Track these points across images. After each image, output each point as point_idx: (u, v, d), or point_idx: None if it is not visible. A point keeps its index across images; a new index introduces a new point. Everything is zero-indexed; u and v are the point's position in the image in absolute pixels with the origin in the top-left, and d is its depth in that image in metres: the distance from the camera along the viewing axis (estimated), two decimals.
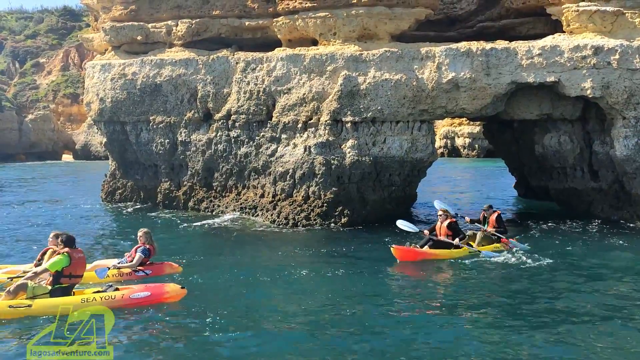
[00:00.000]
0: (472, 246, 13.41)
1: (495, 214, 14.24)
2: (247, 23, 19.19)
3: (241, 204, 18.47)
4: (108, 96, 20.65)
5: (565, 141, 18.42)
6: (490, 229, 14.03)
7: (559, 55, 16.29)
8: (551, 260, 12.15)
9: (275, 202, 17.73)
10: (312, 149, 17.27)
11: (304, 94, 17.60)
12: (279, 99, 18.07)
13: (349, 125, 17.22)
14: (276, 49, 18.60)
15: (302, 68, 17.67)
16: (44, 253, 10.19)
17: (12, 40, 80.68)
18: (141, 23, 20.40)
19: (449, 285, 10.89)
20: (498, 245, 13.68)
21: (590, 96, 16.35)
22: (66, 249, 8.86)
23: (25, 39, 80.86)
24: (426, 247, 13.06)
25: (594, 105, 17.37)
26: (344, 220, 16.75)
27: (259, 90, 18.28)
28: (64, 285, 8.74)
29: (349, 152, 17.05)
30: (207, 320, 8.33)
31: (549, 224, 16.82)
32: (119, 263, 10.76)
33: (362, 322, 8.43)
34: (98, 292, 8.89)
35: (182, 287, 9.18)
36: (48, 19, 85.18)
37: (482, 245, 13.61)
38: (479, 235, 13.90)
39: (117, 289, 9.00)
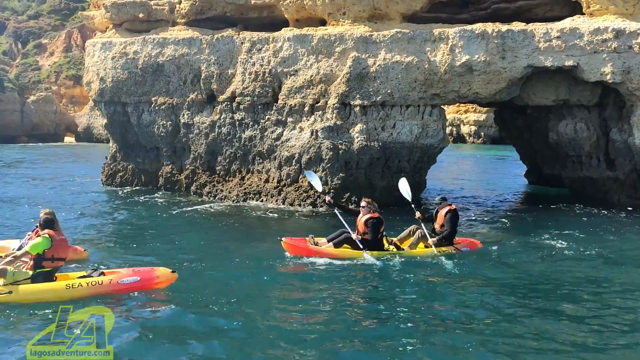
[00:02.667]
0: (401, 248, 11.05)
1: (446, 209, 11.30)
2: (253, 1, 18.48)
3: (245, 189, 17.93)
4: (109, 76, 20.05)
5: (581, 128, 17.81)
6: (436, 227, 11.39)
7: (578, 39, 15.63)
8: (564, 248, 11.62)
9: (280, 187, 17.20)
10: (319, 133, 16.69)
11: (312, 76, 16.98)
12: (286, 80, 17.45)
13: (357, 109, 16.62)
14: (283, 29, 17.93)
15: (309, 49, 17.03)
16: None
17: (15, 21, 79.95)
18: (143, 0, 19.73)
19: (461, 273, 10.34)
20: (444, 248, 11.08)
21: (610, 81, 15.72)
22: (46, 231, 8.35)
23: (28, 20, 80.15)
24: (330, 244, 10.75)
25: (613, 91, 16.75)
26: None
27: (264, 72, 17.65)
28: (46, 269, 8.26)
29: (357, 137, 16.46)
30: (208, 316, 7.91)
31: (563, 211, 16.25)
32: (19, 248, 10.06)
33: (366, 312, 7.96)
34: (83, 277, 8.40)
35: (172, 271, 8.73)
36: None
37: (424, 247, 11.16)
38: (416, 234, 11.20)
39: (103, 273, 8.52)
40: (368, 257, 10.56)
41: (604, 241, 12.68)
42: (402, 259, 10.68)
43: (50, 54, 73.24)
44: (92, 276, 8.39)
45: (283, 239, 10.87)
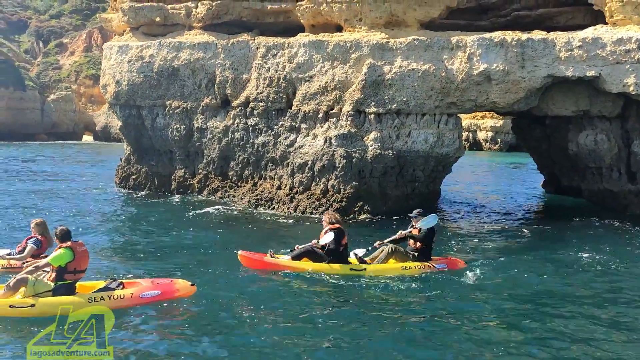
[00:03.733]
0: (366, 262, 10.44)
1: None
2: (269, 6, 18.38)
3: (257, 195, 17.78)
4: (124, 79, 20.06)
5: (602, 140, 17.38)
6: (410, 243, 10.81)
7: (600, 48, 15.24)
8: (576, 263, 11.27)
9: (292, 194, 17.02)
10: (332, 141, 16.49)
11: (326, 82, 16.79)
12: (300, 86, 17.29)
13: (372, 116, 16.40)
14: (299, 35, 17.78)
15: (325, 55, 16.85)
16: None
17: (37, 20, 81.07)
18: (160, 4, 19.72)
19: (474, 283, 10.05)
20: (414, 264, 10.46)
21: (632, 93, 15.31)
22: (68, 243, 8.26)
23: (50, 19, 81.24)
24: (288, 257, 10.41)
25: (635, 103, 16.31)
26: (363, 216, 16.00)
27: (279, 77, 17.51)
28: (67, 281, 8.19)
29: (372, 145, 16.24)
30: (212, 317, 7.89)
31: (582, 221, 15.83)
32: (8, 254, 10.17)
33: (374, 322, 7.75)
34: (104, 289, 8.33)
35: (192, 284, 8.74)
36: None
37: (395, 262, 10.59)
38: (384, 250, 10.59)
39: (122, 283, 8.48)
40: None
41: (625, 256, 12.30)
42: (367, 275, 10.11)
43: (70, 54, 74.13)
44: (112, 287, 8.36)
45: (239, 252, 10.53)
